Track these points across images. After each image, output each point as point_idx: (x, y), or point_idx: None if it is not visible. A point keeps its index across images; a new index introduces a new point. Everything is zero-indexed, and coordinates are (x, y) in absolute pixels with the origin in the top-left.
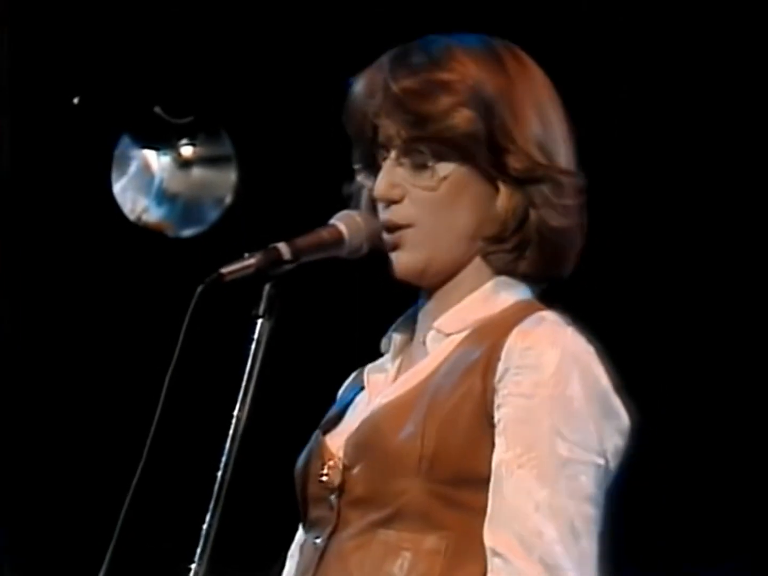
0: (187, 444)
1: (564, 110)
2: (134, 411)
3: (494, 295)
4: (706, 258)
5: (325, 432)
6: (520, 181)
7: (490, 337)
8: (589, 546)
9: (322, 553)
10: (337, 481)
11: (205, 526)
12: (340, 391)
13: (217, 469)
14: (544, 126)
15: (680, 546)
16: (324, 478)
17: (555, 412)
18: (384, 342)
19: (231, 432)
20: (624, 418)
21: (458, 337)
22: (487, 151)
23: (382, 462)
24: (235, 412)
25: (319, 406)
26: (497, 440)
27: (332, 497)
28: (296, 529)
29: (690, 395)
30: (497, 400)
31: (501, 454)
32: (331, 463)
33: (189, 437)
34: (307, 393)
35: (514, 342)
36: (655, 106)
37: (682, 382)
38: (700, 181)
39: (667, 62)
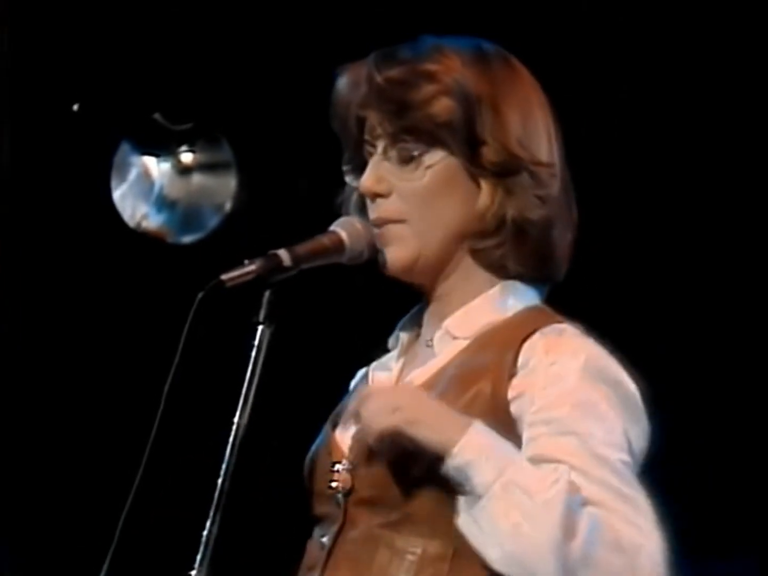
0: (187, 450)
1: (553, 115)
2: (135, 417)
3: (502, 300)
4: (706, 257)
5: (335, 426)
6: (498, 175)
7: (500, 344)
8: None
9: (329, 552)
10: (346, 482)
11: (205, 533)
12: (353, 383)
13: (217, 476)
14: (525, 124)
15: (685, 541)
16: (334, 482)
17: (586, 418)
18: (391, 340)
19: (231, 438)
20: (646, 421)
21: (466, 341)
22: (465, 143)
23: (391, 466)
24: (236, 419)
25: (319, 412)
26: (530, 451)
27: (339, 496)
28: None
29: (696, 393)
30: (526, 418)
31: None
32: (340, 464)
33: (189, 444)
34: (308, 399)
35: (537, 357)
36: (655, 106)
37: (687, 379)
38: (701, 181)
39: (667, 62)
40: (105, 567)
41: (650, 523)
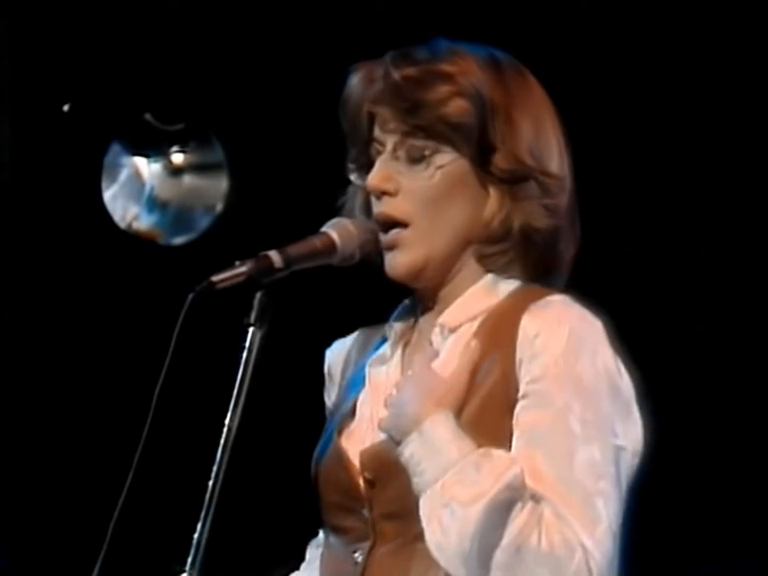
0: (178, 453)
1: (561, 124)
2: (126, 419)
3: (493, 287)
4: (706, 259)
5: (341, 431)
6: (507, 182)
7: (500, 333)
8: (610, 526)
9: (363, 568)
10: (366, 495)
11: (196, 535)
12: (333, 361)
13: (209, 478)
14: (537, 134)
15: (686, 546)
16: (353, 493)
17: (565, 390)
18: (385, 329)
19: (222, 441)
20: (632, 401)
21: (466, 334)
22: (476, 146)
23: (408, 478)
24: (227, 421)
25: (310, 414)
26: (515, 431)
27: (363, 510)
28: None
29: (696, 395)
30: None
31: (516, 440)
32: (357, 478)
33: (180, 446)
34: (299, 401)
35: (524, 331)
36: (655, 106)
37: (686, 381)
38: (701, 181)
39: (667, 62)
40: (97, 568)
41: (598, 521)
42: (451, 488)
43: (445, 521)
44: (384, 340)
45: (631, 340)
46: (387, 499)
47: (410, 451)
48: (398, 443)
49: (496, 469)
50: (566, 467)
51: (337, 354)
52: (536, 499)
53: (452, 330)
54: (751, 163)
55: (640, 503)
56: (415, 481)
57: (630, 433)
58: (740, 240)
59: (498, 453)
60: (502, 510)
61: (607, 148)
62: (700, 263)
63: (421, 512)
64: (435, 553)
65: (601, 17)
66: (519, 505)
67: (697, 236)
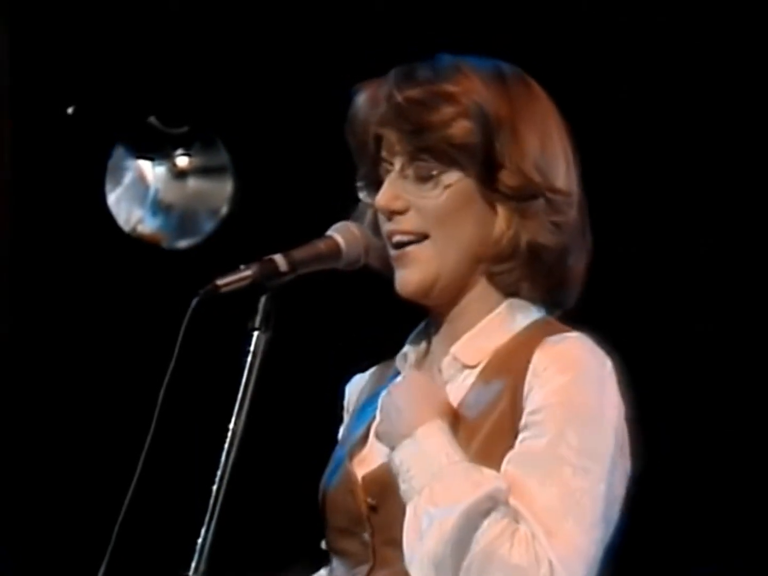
0: (182, 457)
1: (570, 136)
2: (130, 423)
3: (509, 318)
4: (706, 259)
5: (352, 456)
6: (515, 199)
7: (511, 364)
8: (587, 554)
9: None
10: (369, 520)
11: (200, 539)
12: (351, 393)
13: (213, 482)
14: (544, 149)
15: (686, 546)
16: (357, 518)
17: (563, 419)
18: (399, 359)
19: (226, 445)
20: (628, 441)
21: (478, 369)
22: (482, 166)
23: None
24: (231, 426)
25: (315, 419)
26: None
27: (365, 534)
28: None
29: (692, 398)
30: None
31: (505, 464)
32: (361, 503)
33: (184, 450)
34: (304, 406)
35: (534, 365)
36: (655, 106)
37: (686, 381)
38: (701, 182)
39: (667, 62)
40: (100, 573)
41: (573, 546)
42: (435, 494)
43: (424, 526)
44: (398, 373)
45: (631, 341)
46: (389, 525)
47: (401, 458)
48: (392, 449)
49: (481, 479)
50: (549, 491)
51: (354, 387)
52: (516, 517)
53: (466, 366)
54: (751, 163)
55: (640, 503)
56: (404, 488)
57: (622, 473)
58: (740, 240)
59: (488, 469)
60: (478, 517)
61: (607, 148)
62: (700, 263)
63: (405, 519)
64: (409, 560)
65: (601, 17)
66: (495, 515)
67: (697, 236)
